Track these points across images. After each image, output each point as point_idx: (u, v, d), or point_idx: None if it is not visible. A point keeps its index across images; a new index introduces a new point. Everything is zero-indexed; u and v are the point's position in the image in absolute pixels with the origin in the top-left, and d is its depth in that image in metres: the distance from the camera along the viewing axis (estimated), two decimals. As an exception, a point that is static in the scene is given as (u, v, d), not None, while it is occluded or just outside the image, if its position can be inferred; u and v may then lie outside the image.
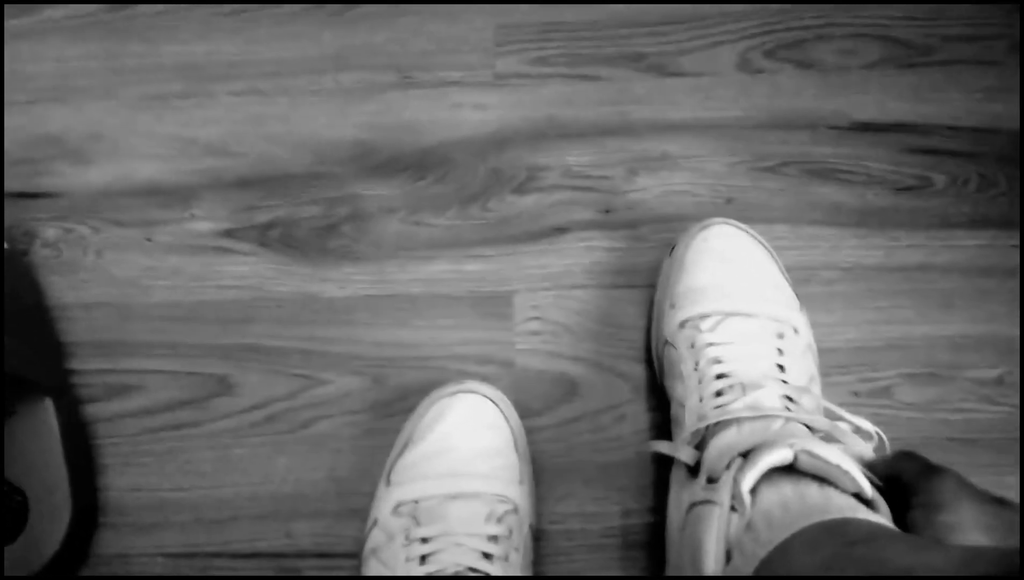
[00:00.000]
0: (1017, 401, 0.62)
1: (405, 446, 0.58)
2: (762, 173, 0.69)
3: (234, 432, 0.64)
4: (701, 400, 0.54)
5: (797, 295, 0.60)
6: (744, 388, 0.53)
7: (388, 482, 0.57)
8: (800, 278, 0.64)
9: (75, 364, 0.66)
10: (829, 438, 0.49)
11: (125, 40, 0.75)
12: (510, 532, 0.54)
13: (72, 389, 0.65)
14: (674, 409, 0.57)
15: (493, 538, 0.53)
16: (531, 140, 0.71)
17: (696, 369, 0.55)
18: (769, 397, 0.52)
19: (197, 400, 0.65)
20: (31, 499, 0.58)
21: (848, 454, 0.47)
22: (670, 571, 0.53)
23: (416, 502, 0.55)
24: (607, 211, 0.69)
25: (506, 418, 0.59)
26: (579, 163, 0.70)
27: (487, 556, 0.52)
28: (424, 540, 0.53)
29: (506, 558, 0.53)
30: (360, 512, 0.60)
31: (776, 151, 0.69)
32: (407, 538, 0.53)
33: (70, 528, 0.58)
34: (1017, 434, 0.61)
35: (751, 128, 0.70)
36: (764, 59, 0.72)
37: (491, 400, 0.59)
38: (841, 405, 0.59)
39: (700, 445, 0.52)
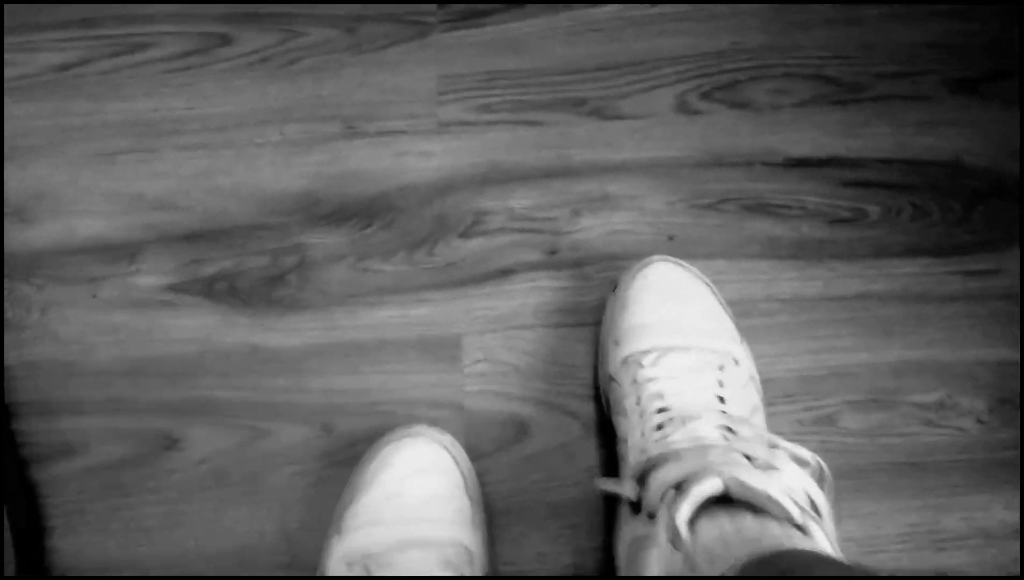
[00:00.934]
0: (958, 423, 0.62)
1: (354, 494, 0.58)
2: (701, 210, 0.70)
3: (180, 487, 0.64)
4: (643, 434, 0.54)
5: (738, 327, 0.61)
6: (684, 421, 0.53)
7: (338, 531, 0.56)
8: (741, 311, 0.65)
9: (19, 424, 0.65)
10: (767, 466, 0.49)
11: (71, 98, 0.75)
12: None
13: (16, 451, 0.64)
14: (619, 445, 0.58)
15: None
16: (476, 185, 0.72)
17: (638, 404, 0.56)
18: (707, 428, 0.52)
19: (143, 456, 0.64)
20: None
21: (783, 482, 0.47)
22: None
23: (367, 554, 0.54)
24: (552, 252, 0.70)
25: (456, 462, 0.59)
26: (523, 206, 0.71)
27: None
28: None
29: None
30: (312, 564, 0.59)
31: (714, 188, 0.71)
32: None
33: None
34: (960, 456, 0.62)
35: (689, 167, 0.72)
36: (700, 100, 0.74)
37: (440, 444, 0.59)
38: (785, 434, 0.60)
39: (644, 480, 0.52)
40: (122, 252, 0.70)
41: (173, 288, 0.69)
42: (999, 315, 0.65)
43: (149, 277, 0.70)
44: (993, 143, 0.71)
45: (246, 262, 0.70)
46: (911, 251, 0.68)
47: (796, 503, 0.46)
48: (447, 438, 0.60)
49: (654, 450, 0.52)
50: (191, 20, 0.77)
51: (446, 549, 0.54)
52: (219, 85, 0.75)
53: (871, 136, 0.72)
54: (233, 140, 0.74)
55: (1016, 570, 0.59)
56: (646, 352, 0.58)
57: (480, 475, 0.61)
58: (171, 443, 0.65)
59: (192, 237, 0.71)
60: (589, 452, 0.63)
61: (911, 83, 0.74)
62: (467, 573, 0.54)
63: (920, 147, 0.71)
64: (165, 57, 0.76)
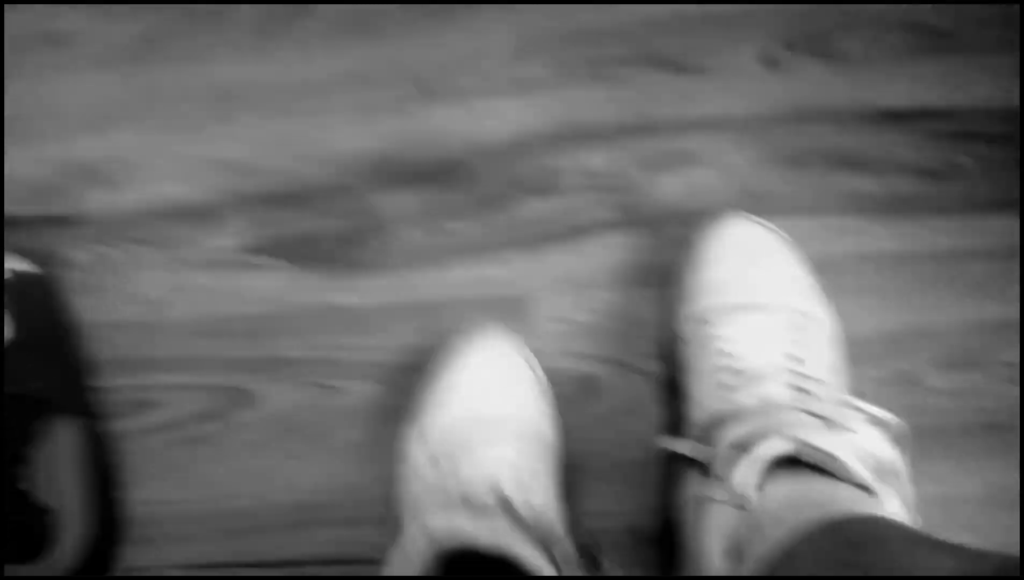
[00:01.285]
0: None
1: (430, 389, 0.60)
2: (786, 166, 0.68)
3: (253, 442, 0.66)
4: (709, 393, 0.53)
5: (821, 286, 0.59)
6: (752, 380, 0.51)
7: (413, 417, 0.59)
8: (826, 269, 0.62)
9: (101, 382, 0.68)
10: (839, 427, 0.48)
11: (153, 67, 0.77)
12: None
13: (96, 408, 0.67)
14: (684, 404, 0.56)
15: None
16: (550, 143, 0.71)
17: (706, 362, 0.54)
18: (776, 387, 0.50)
19: (219, 413, 0.67)
20: (57, 517, 0.60)
21: (855, 444, 0.45)
22: (682, 570, 0.52)
23: (443, 431, 0.55)
24: (628, 210, 0.69)
25: (518, 349, 0.61)
26: (599, 164, 0.70)
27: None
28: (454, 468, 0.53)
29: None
30: (377, 517, 0.60)
31: (799, 144, 0.68)
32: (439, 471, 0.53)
33: (94, 544, 0.60)
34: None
35: (773, 122, 0.69)
36: (785, 51, 0.71)
37: (508, 341, 0.61)
38: (868, 395, 0.57)
39: (709, 440, 0.51)
40: (203, 215, 0.72)
41: (252, 249, 0.71)
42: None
43: (229, 239, 0.71)
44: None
45: (324, 225, 0.71)
46: (1006, 205, 0.64)
47: (868, 466, 0.44)
48: (521, 345, 0.62)
49: (720, 411, 0.51)
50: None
51: (522, 424, 0.55)
52: (295, 53, 0.76)
53: (966, 86, 0.68)
54: (311, 106, 0.75)
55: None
56: (715, 309, 0.56)
57: (552, 434, 0.61)
58: (246, 399, 0.67)
59: (270, 201, 0.72)
60: (655, 411, 0.62)
61: (1005, 31, 0.69)
62: (538, 447, 0.55)
63: (1016, 97, 0.67)
64: (246, 22, 0.77)
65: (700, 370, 0.55)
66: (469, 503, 0.50)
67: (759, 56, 0.71)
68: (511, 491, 0.51)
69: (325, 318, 0.68)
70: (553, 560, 0.48)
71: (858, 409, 0.50)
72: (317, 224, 0.71)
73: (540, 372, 0.62)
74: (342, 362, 0.67)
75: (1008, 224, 0.63)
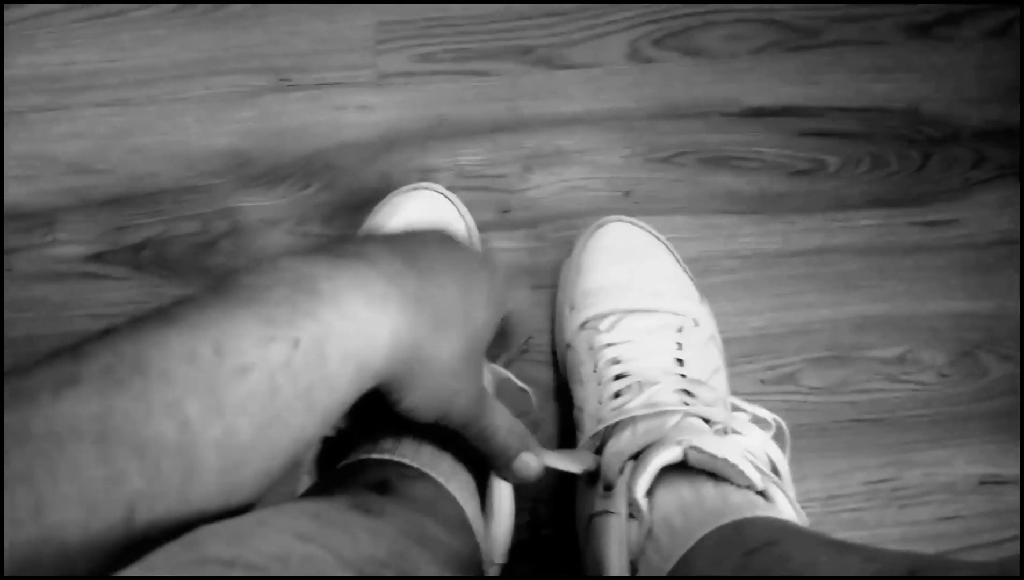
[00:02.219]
0: (920, 378, 0.62)
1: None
2: (658, 164, 0.68)
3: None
4: (600, 402, 0.52)
5: (698, 286, 0.59)
6: (641, 386, 0.51)
7: None
8: (702, 268, 0.63)
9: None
10: (727, 430, 0.48)
11: (-28, 52, 0.69)
12: None
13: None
14: (576, 413, 0.56)
15: None
16: (421, 140, 0.68)
17: (595, 371, 0.54)
18: (665, 393, 0.50)
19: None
20: None
21: (742, 446, 0.46)
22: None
23: None
24: (505, 210, 0.67)
25: (459, 212, 0.61)
26: (472, 162, 0.68)
27: None
28: None
29: None
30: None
31: (670, 141, 0.68)
32: None
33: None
34: (922, 411, 0.61)
35: (644, 118, 0.69)
36: (653, 48, 0.71)
37: (444, 195, 0.61)
38: (748, 394, 0.58)
39: (601, 449, 0.50)
40: (37, 220, 0.65)
41: (95, 258, 0.64)
42: (957, 266, 0.65)
43: (69, 247, 0.64)
44: (949, 89, 0.70)
45: (174, 228, 0.65)
46: (870, 202, 0.66)
47: (757, 467, 0.45)
48: (449, 192, 0.62)
49: (610, 418, 0.50)
50: (103, -36, 0.71)
51: None
52: (137, 35, 0.70)
53: (828, 83, 0.70)
54: (155, 95, 0.69)
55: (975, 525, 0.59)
56: (603, 316, 0.56)
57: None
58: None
59: (113, 202, 0.66)
60: (548, 421, 0.61)
61: (866, 27, 0.72)
62: None
63: (877, 94, 0.70)
64: (77, 5, 0.70)
65: (589, 377, 0.54)
66: None
67: (627, 52, 0.71)
68: None
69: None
70: None
71: (741, 410, 0.51)
72: (167, 228, 0.65)
73: (472, 222, 0.62)
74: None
75: (873, 221, 0.66)
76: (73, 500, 0.23)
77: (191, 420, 0.24)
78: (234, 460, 0.26)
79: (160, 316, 0.26)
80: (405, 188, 0.62)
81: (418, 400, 0.33)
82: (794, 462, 0.51)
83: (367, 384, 0.29)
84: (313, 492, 0.40)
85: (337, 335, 0.27)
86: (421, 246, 0.33)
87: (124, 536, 0.24)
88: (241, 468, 0.26)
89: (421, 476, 0.41)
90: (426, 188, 0.61)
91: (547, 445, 0.60)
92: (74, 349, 0.25)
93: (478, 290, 0.34)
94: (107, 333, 0.26)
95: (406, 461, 0.41)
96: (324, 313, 0.27)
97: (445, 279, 0.33)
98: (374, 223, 0.60)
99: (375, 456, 0.41)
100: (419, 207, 0.60)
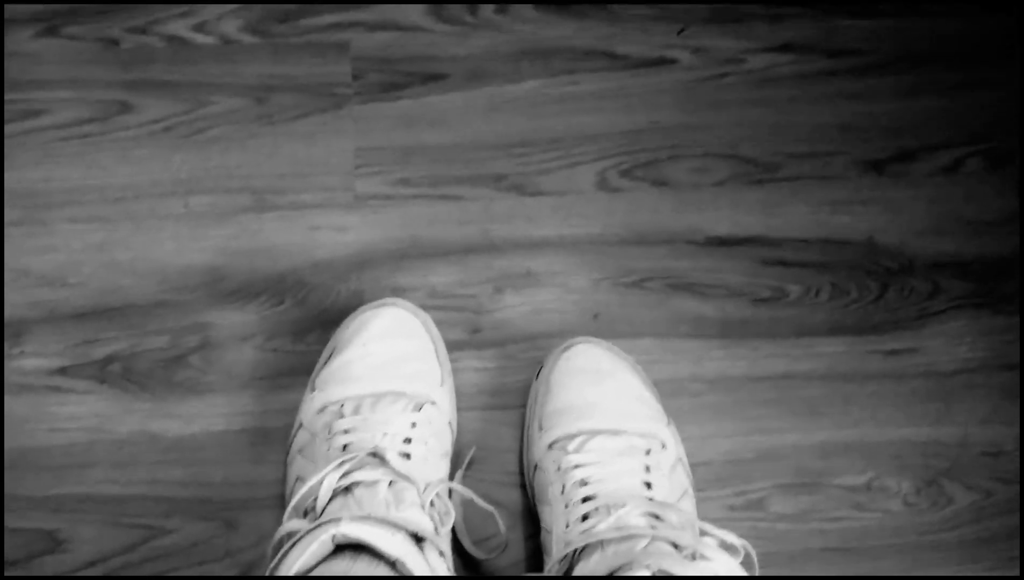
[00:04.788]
0: (886, 506, 0.62)
1: (329, 356, 0.60)
2: (626, 288, 0.69)
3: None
4: (568, 525, 0.52)
5: (665, 408, 0.60)
6: (610, 509, 0.51)
7: (312, 388, 0.59)
8: (668, 391, 0.64)
9: None
10: (695, 555, 0.48)
11: (-48, 167, 0.70)
12: (430, 420, 0.56)
13: None
14: (543, 536, 0.55)
15: (413, 424, 0.55)
16: (394, 260, 0.69)
17: (563, 493, 0.54)
18: (634, 516, 0.50)
19: (19, 561, 0.58)
20: None
21: (711, 571, 0.45)
22: None
23: (341, 403, 0.56)
24: (475, 331, 0.67)
25: (426, 328, 0.62)
26: (444, 283, 0.69)
27: (407, 440, 0.54)
28: (346, 431, 0.54)
29: (425, 442, 0.55)
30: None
31: (638, 266, 0.70)
32: (330, 432, 0.55)
33: None
34: (891, 540, 0.61)
35: (613, 244, 0.71)
36: (621, 178, 0.74)
37: (409, 311, 0.62)
38: (717, 520, 0.58)
39: (569, 572, 0.50)
40: (7, 331, 0.64)
41: (61, 371, 0.64)
42: (919, 393, 0.66)
43: (34, 359, 0.64)
44: (903, 222, 0.73)
45: (143, 342, 0.65)
46: (832, 330, 0.68)
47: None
48: (417, 309, 0.63)
49: (578, 541, 0.50)
50: (89, 86, 0.73)
51: (415, 400, 0.56)
52: (118, 155, 0.71)
53: (788, 215, 0.73)
54: (132, 212, 0.70)
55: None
56: (571, 437, 0.56)
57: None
58: (54, 545, 0.58)
59: (84, 316, 0.66)
60: (516, 544, 0.60)
61: (822, 163, 0.75)
62: (433, 418, 0.57)
63: (835, 226, 0.72)
64: (59, 124, 0.72)
65: (557, 500, 0.54)
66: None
67: (596, 182, 0.73)
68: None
69: (147, 448, 0.61)
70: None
71: (710, 535, 0.51)
72: (136, 342, 0.65)
73: (437, 336, 0.63)
74: (164, 499, 0.60)
75: (835, 348, 0.67)
76: None
77: None
78: None
79: None
80: (373, 304, 0.62)
81: None
82: (762, 590, 0.50)
83: None
84: None
85: None
86: None
87: None
88: None
89: None
90: (393, 304, 0.62)
91: (515, 569, 0.59)
92: None
93: None
94: None
95: None
96: None
97: None
98: (343, 337, 0.60)
99: None
100: (386, 324, 0.61)
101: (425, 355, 0.61)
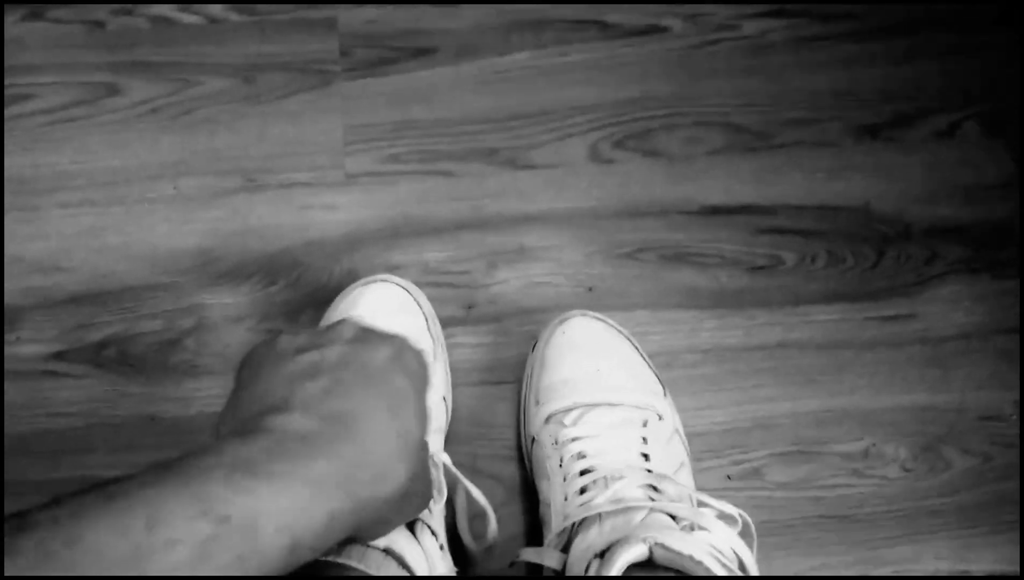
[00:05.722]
0: (884, 472, 0.62)
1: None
2: (620, 260, 0.69)
3: None
4: (566, 498, 0.52)
5: (661, 380, 0.59)
6: (607, 481, 0.51)
7: None
8: (664, 362, 0.63)
9: None
10: (693, 526, 0.48)
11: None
12: None
13: None
14: (542, 509, 0.55)
15: None
16: (386, 238, 0.69)
17: (561, 466, 0.53)
18: (631, 488, 0.50)
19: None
20: None
21: (708, 542, 0.45)
22: None
23: None
24: (469, 307, 0.67)
25: (418, 304, 0.61)
26: (437, 259, 0.69)
27: None
28: None
29: None
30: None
31: (631, 238, 0.70)
32: None
33: None
34: (888, 506, 0.61)
35: (605, 217, 0.70)
36: (613, 149, 0.73)
37: (402, 287, 0.61)
38: (714, 490, 0.58)
39: (568, 545, 0.50)
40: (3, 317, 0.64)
41: (57, 357, 0.64)
42: (916, 360, 0.65)
43: (30, 346, 0.64)
44: (898, 188, 0.72)
45: (137, 326, 0.65)
46: (828, 297, 0.68)
47: (723, 565, 0.44)
48: (408, 283, 0.62)
49: (577, 515, 0.50)
50: (75, 70, 0.73)
51: None
52: (106, 138, 0.71)
53: (783, 183, 0.72)
54: (122, 196, 0.69)
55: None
56: (568, 410, 0.56)
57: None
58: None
59: (77, 300, 0.66)
60: (515, 517, 0.60)
61: (817, 130, 0.75)
62: (429, 398, 0.54)
63: (830, 193, 0.72)
64: (46, 109, 0.72)
65: (555, 473, 0.54)
66: None
67: (588, 153, 0.73)
68: None
69: (144, 431, 0.61)
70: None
71: (707, 506, 0.51)
72: (131, 325, 0.65)
73: (430, 310, 0.62)
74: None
75: (831, 316, 0.67)
76: None
77: None
78: None
79: (102, 492, 0.28)
80: (363, 281, 0.62)
81: (368, 535, 0.36)
82: (761, 560, 0.50)
83: (304, 558, 0.31)
84: None
85: (272, 511, 0.30)
86: (350, 396, 0.35)
87: None
88: None
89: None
90: (384, 280, 0.61)
91: (514, 543, 0.59)
92: (21, 518, 0.27)
93: (407, 406, 0.36)
94: (54, 502, 0.28)
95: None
96: (261, 490, 0.30)
97: (375, 422, 0.35)
98: (335, 314, 0.60)
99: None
100: (378, 299, 0.60)
101: (416, 330, 0.60)
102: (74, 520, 0.27)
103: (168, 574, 0.27)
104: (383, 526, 0.39)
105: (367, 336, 0.38)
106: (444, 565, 0.50)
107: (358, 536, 0.35)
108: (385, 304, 0.60)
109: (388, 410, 0.35)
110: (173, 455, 0.30)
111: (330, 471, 0.32)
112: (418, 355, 0.39)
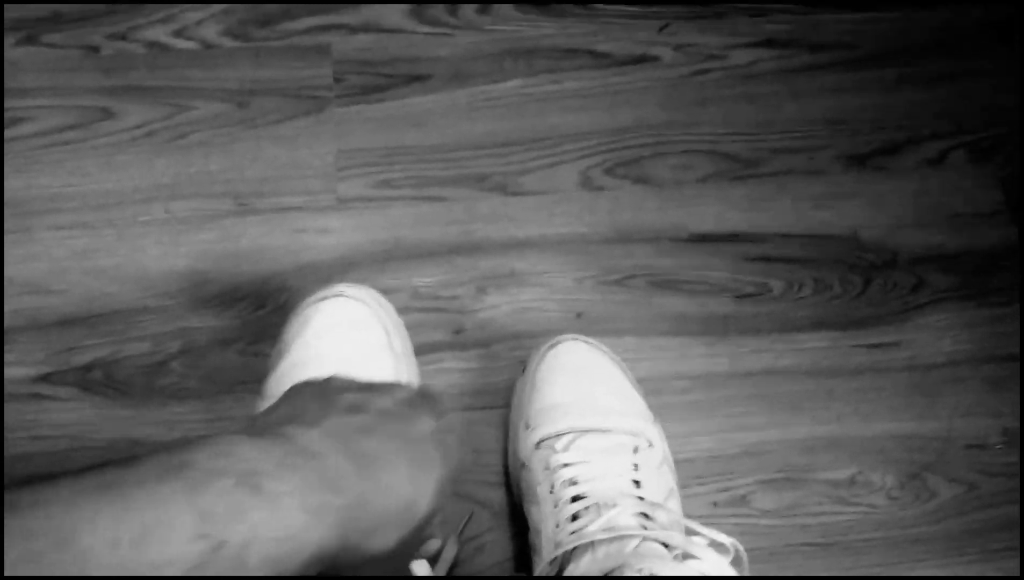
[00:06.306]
0: (870, 500, 0.62)
1: (275, 361, 0.56)
2: (609, 286, 0.69)
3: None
4: (557, 525, 0.52)
5: (650, 406, 0.60)
6: (600, 508, 0.51)
7: (262, 397, 0.55)
8: (652, 389, 0.63)
9: None
10: (686, 556, 0.47)
11: (-66, 176, 0.70)
12: None
13: None
14: (532, 536, 0.55)
15: None
16: (377, 262, 0.69)
17: (552, 492, 0.53)
18: (624, 516, 0.50)
19: (2, 568, 0.58)
20: None
21: (702, 572, 0.45)
22: None
23: None
24: (458, 331, 0.67)
25: (378, 317, 0.57)
26: (427, 284, 0.69)
27: None
28: None
29: None
30: None
31: (621, 265, 0.70)
32: None
33: None
34: (874, 534, 0.61)
35: (596, 243, 0.71)
36: (604, 176, 0.73)
37: (358, 301, 0.57)
38: (701, 517, 0.58)
39: (559, 573, 0.50)
40: (-13, 341, 0.65)
41: (44, 379, 0.64)
42: (903, 387, 0.66)
43: (16, 368, 0.64)
44: (886, 216, 0.73)
45: (124, 349, 0.65)
46: (815, 325, 0.68)
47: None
48: (368, 293, 0.58)
49: (568, 542, 0.50)
50: (70, 93, 0.73)
51: None
52: (100, 161, 0.71)
53: (771, 211, 0.73)
54: (115, 218, 0.70)
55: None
56: (559, 435, 0.56)
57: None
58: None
59: (66, 323, 0.66)
60: (501, 543, 0.60)
61: (806, 158, 0.75)
62: None
63: (819, 221, 0.72)
64: (41, 132, 0.72)
65: (546, 499, 0.53)
66: None
67: (579, 180, 0.73)
68: None
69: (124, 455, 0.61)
70: None
71: (699, 534, 0.50)
72: (118, 348, 0.65)
73: (394, 322, 0.59)
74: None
75: (818, 343, 0.67)
76: None
77: None
78: None
79: (100, 480, 0.27)
80: (318, 295, 0.58)
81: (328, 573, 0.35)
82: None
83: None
84: None
85: (264, 540, 0.29)
86: (377, 444, 0.34)
87: None
88: None
89: None
90: (339, 294, 0.58)
91: (500, 568, 0.59)
92: (11, 499, 0.26)
93: (427, 477, 0.35)
94: (49, 482, 0.27)
95: None
96: (258, 516, 0.29)
97: (393, 477, 0.34)
98: (288, 334, 0.57)
99: None
100: (331, 316, 0.57)
101: (373, 347, 0.57)
102: (66, 516, 0.26)
103: None
104: (349, 572, 0.38)
105: (420, 402, 0.38)
106: None
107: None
108: (338, 321, 0.57)
109: (409, 475, 0.35)
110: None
111: (330, 506, 0.31)
112: (460, 442, 0.38)
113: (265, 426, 0.34)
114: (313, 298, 0.58)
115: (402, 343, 0.59)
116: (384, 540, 0.34)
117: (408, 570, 0.45)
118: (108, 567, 0.26)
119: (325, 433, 0.33)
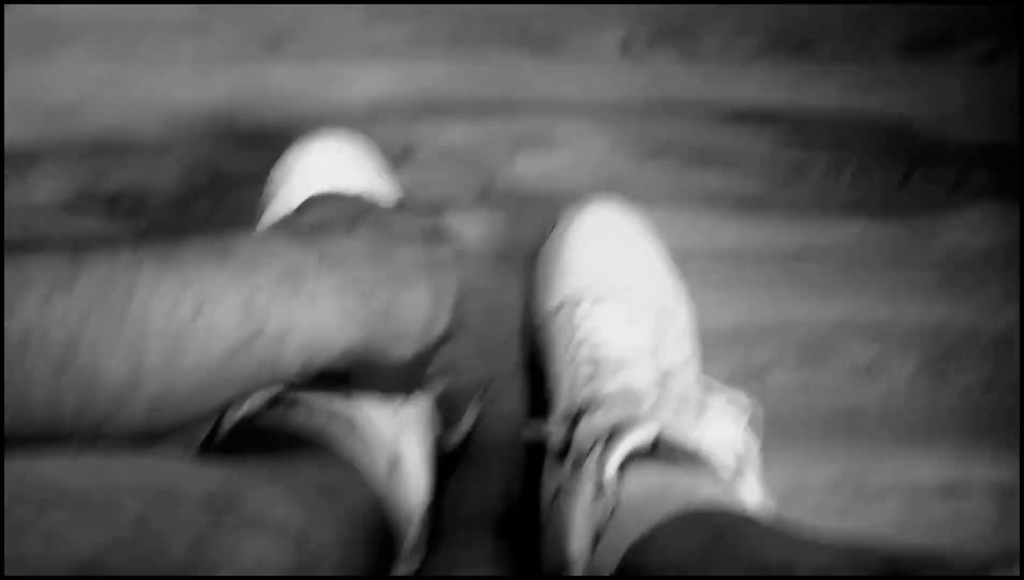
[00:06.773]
0: (889, 385, 0.62)
1: (270, 198, 0.58)
2: (643, 158, 0.68)
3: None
4: (572, 382, 0.52)
5: (676, 278, 0.59)
6: (616, 370, 0.51)
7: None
8: (680, 261, 0.62)
9: None
10: (701, 415, 0.47)
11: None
12: None
13: None
14: (547, 391, 0.55)
15: None
16: (408, 115, 0.68)
17: (568, 351, 0.53)
18: (639, 377, 0.50)
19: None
20: None
21: (714, 429, 0.45)
22: (543, 558, 0.50)
23: None
24: (486, 189, 0.66)
25: (362, 167, 0.59)
26: (457, 141, 0.68)
27: None
28: None
29: None
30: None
31: (657, 137, 0.68)
32: None
33: None
34: (889, 415, 0.61)
35: (633, 112, 0.69)
36: (646, 46, 0.71)
37: (338, 150, 0.59)
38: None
39: (572, 428, 0.50)
40: (11, 162, 0.64)
41: (69, 205, 0.64)
42: (935, 278, 0.65)
43: (43, 192, 0.64)
44: (935, 108, 0.70)
45: (152, 180, 0.65)
46: (852, 211, 0.66)
47: (728, 454, 0.44)
48: (349, 141, 0.60)
49: (583, 398, 0.50)
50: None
51: None
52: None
53: (818, 94, 0.71)
54: (145, 50, 0.68)
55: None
56: (579, 298, 0.55)
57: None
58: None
59: (93, 150, 0.65)
60: (517, 402, 0.60)
61: (860, 44, 0.73)
62: None
63: (866, 108, 0.70)
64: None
65: (562, 358, 0.53)
66: None
67: (620, 45, 0.71)
68: None
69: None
70: None
71: (716, 395, 0.50)
72: (144, 180, 0.65)
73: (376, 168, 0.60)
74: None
75: (854, 229, 0.66)
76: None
77: (145, 365, 0.27)
78: (172, 399, 0.29)
79: (160, 253, 0.29)
80: (299, 143, 0.59)
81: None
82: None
83: (310, 373, 0.33)
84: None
85: (300, 330, 0.31)
86: (399, 252, 0.36)
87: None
88: (175, 405, 0.29)
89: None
90: (319, 141, 0.59)
91: (517, 417, 0.59)
92: (73, 252, 0.27)
93: (445, 299, 0.38)
94: (109, 245, 0.28)
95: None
96: (297, 310, 0.31)
97: (416, 295, 0.36)
98: (272, 186, 0.59)
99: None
100: (314, 162, 0.58)
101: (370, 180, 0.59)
102: (131, 277, 0.27)
103: (199, 358, 0.28)
104: (365, 375, 0.41)
105: (440, 233, 0.40)
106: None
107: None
108: (321, 169, 0.58)
109: (430, 294, 0.37)
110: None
111: (361, 311, 0.33)
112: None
113: (299, 229, 0.34)
114: (295, 145, 0.59)
115: (386, 192, 0.60)
116: (403, 351, 0.36)
117: (419, 382, 0.46)
118: (162, 329, 0.27)
119: (357, 243, 0.35)
